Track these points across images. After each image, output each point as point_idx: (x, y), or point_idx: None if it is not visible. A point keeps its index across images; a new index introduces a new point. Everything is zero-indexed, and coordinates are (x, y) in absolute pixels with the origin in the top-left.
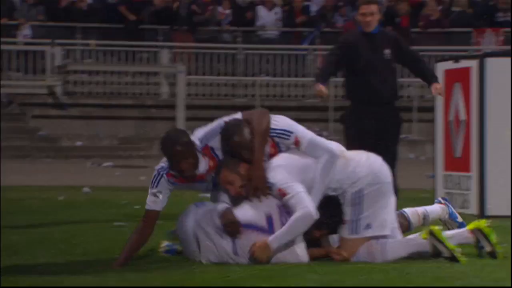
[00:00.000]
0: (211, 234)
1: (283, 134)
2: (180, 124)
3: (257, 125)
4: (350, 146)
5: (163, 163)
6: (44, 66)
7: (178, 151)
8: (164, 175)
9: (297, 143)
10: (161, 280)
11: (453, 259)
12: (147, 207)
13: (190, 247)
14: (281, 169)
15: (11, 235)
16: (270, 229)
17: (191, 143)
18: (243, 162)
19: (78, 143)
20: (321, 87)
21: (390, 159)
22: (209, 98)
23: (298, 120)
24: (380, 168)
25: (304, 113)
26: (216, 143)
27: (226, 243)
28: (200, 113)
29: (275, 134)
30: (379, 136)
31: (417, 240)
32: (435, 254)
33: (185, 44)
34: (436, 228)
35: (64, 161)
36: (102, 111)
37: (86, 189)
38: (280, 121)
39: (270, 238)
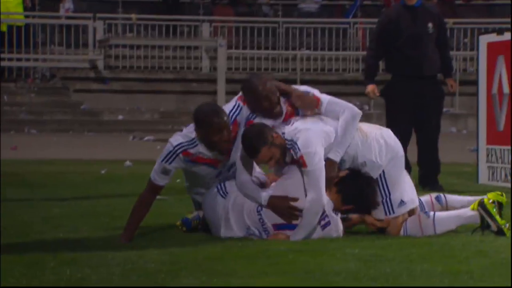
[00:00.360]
0: (242, 222)
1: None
2: (221, 98)
3: (276, 82)
4: (391, 120)
5: (182, 138)
6: (86, 40)
7: (216, 123)
8: (180, 154)
9: (317, 100)
10: (203, 253)
11: (499, 232)
12: (155, 181)
13: (218, 227)
14: (309, 132)
15: (53, 208)
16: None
17: (228, 116)
18: (271, 117)
19: (120, 117)
20: (373, 88)
21: (432, 132)
22: (250, 72)
23: (339, 94)
24: (395, 142)
25: (345, 87)
26: (242, 119)
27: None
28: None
29: None
30: (421, 109)
31: (467, 212)
32: (483, 226)
33: (225, 18)
34: (487, 200)
35: (106, 135)
36: (143, 85)
37: (127, 163)
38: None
39: (291, 234)
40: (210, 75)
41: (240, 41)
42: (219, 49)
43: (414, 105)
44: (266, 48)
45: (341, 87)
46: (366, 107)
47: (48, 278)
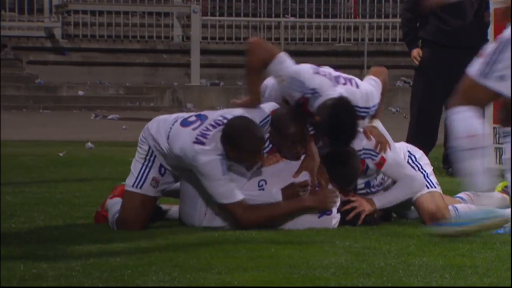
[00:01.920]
0: None
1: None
2: (195, 71)
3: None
4: (421, 93)
5: (214, 153)
6: (41, 5)
7: (252, 145)
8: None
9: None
10: (175, 246)
11: None
12: (237, 199)
13: (191, 210)
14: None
15: (5, 195)
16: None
17: (263, 133)
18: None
19: (80, 93)
20: (418, 51)
21: None
22: (227, 42)
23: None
24: None
25: (335, 58)
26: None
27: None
28: (217, 59)
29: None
30: (453, 82)
31: (495, 195)
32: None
33: None
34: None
35: (64, 113)
36: (106, 57)
37: (89, 145)
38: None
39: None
40: (182, 45)
41: (216, 7)
42: (193, 16)
43: (447, 78)
44: (246, 15)
45: (331, 59)
46: None
47: None
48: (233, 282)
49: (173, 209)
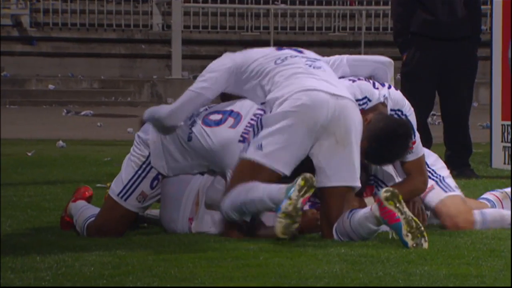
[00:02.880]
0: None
1: None
2: (176, 63)
3: None
4: (409, 87)
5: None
6: None
7: None
8: None
9: None
10: (155, 253)
11: None
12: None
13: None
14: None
15: None
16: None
17: None
18: None
19: (51, 87)
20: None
21: (460, 105)
22: (212, 32)
23: None
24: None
25: (330, 49)
26: None
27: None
28: (201, 49)
29: None
30: (449, 77)
31: None
32: None
33: None
34: None
35: (33, 108)
36: (79, 47)
37: (60, 143)
38: None
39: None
40: (162, 35)
41: None
42: (174, 3)
43: (441, 71)
44: (232, 1)
45: (325, 50)
46: None
47: None
48: None
49: (153, 213)
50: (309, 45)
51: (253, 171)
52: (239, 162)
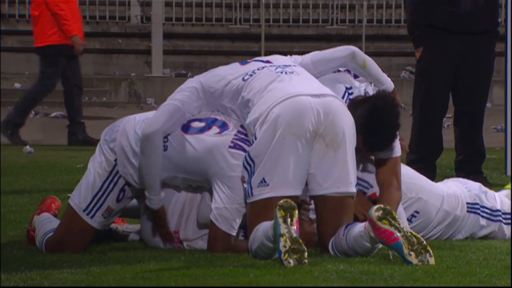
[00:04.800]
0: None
1: None
2: (156, 59)
3: None
4: (426, 86)
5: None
6: None
7: None
8: None
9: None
10: (133, 271)
11: None
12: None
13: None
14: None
15: None
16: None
17: None
18: None
19: (17, 85)
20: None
21: (475, 104)
22: (196, 24)
23: None
24: None
25: (327, 44)
26: None
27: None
28: (184, 44)
29: None
30: (463, 73)
31: None
32: None
33: None
34: None
35: None
36: None
37: (28, 149)
38: None
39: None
40: (141, 28)
41: None
42: None
43: (457, 67)
44: None
45: (322, 44)
46: None
47: None
48: None
49: (130, 228)
50: (304, 39)
51: (268, 208)
52: (250, 206)
